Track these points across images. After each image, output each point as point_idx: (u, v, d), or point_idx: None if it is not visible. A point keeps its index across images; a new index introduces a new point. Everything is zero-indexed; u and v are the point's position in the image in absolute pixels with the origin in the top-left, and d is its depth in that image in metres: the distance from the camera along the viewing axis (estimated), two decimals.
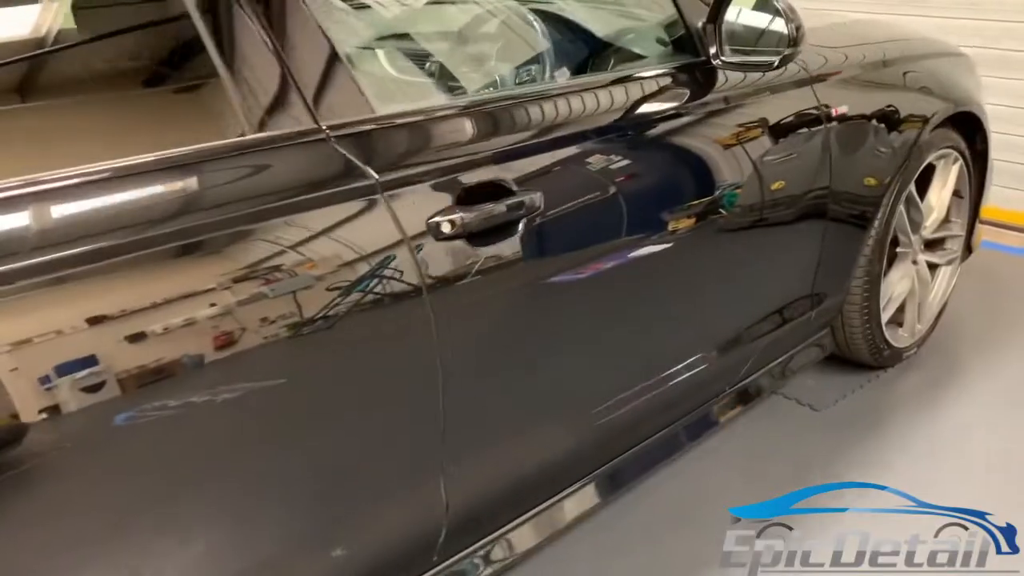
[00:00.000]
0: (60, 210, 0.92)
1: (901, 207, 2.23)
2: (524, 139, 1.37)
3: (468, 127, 1.33)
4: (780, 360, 2.05)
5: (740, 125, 1.71)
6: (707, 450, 1.92)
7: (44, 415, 0.84)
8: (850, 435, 2.16)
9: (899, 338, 2.45)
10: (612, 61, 1.74)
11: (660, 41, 1.73)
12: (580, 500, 1.55)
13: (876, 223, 2.15)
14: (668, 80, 1.65)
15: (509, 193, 1.29)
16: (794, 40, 1.56)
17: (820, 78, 1.92)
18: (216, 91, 1.11)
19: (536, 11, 1.73)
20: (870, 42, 2.24)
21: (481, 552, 1.40)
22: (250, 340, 1.00)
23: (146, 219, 0.96)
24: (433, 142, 1.28)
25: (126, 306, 0.91)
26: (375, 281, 1.12)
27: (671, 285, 1.62)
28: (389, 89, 1.39)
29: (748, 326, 1.89)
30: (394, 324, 1.16)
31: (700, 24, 1.66)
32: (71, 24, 1.12)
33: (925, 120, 2.21)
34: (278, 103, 1.13)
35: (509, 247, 1.28)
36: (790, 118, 1.80)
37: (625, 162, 1.50)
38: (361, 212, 1.13)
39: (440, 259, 1.20)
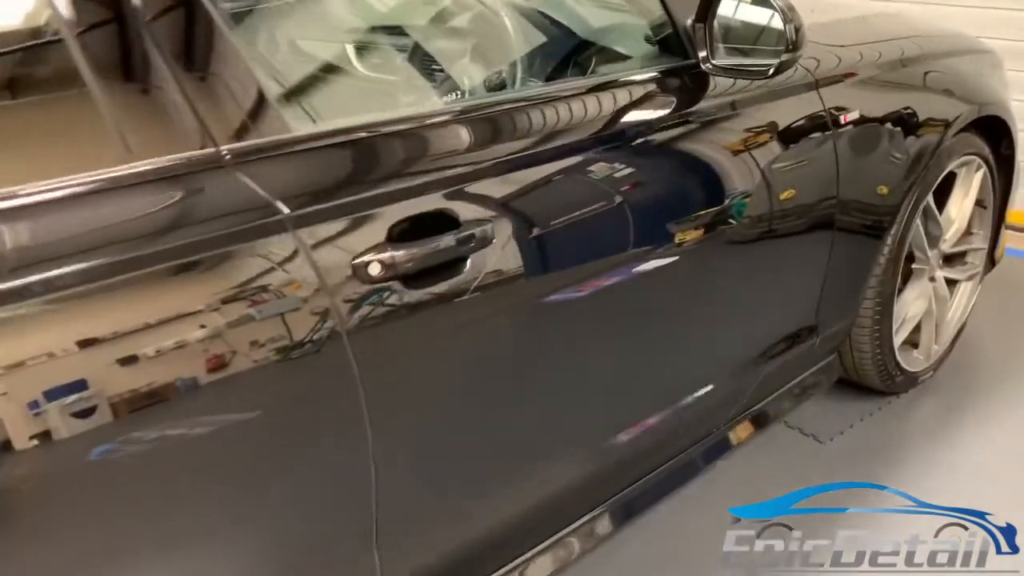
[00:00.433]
0: None
1: (918, 221, 2.03)
2: (475, 161, 1.18)
3: (407, 147, 1.15)
4: (778, 394, 1.85)
5: (731, 137, 1.51)
6: (687, 497, 1.74)
7: None
8: (853, 470, 1.97)
9: (914, 361, 2.25)
10: (590, 63, 1.54)
11: (646, 41, 1.53)
12: (542, 565, 1.37)
13: (889, 239, 1.95)
14: (651, 87, 1.45)
15: (454, 225, 1.11)
16: (793, 44, 1.36)
17: (827, 80, 1.71)
18: (84, 109, 0.92)
19: (506, 6, 1.54)
20: (886, 39, 2.03)
21: None
22: (125, 417, 0.83)
23: None
24: (363, 167, 1.09)
25: None
26: (283, 340, 0.94)
27: (646, 320, 1.43)
28: (312, 104, 1.20)
29: (740, 359, 1.70)
30: (310, 389, 0.99)
31: (689, 23, 1.46)
32: None
33: (946, 125, 2.00)
34: (165, 121, 0.95)
35: (454, 289, 1.10)
36: (790, 127, 1.61)
37: (598, 184, 1.31)
38: (266, 254, 0.95)
39: (368, 308, 1.02)
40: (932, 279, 2.23)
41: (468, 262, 1.11)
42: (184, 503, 0.91)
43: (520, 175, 1.20)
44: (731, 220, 1.50)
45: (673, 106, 1.46)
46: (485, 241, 1.13)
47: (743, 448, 1.83)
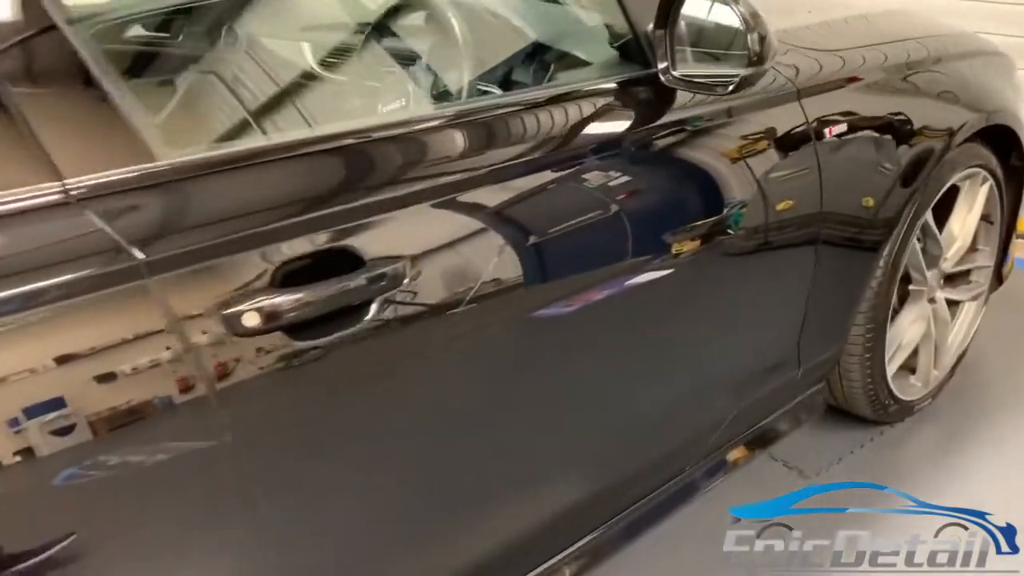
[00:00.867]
0: None
1: (915, 240, 1.86)
2: (385, 190, 1.03)
3: (301, 176, 1.00)
4: (756, 429, 1.70)
5: (694, 156, 1.36)
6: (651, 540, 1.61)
7: None
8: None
9: (910, 388, 2.09)
10: (540, 71, 1.40)
11: (605, 47, 1.37)
12: None
13: (882, 261, 1.78)
14: (607, 99, 1.30)
15: (356, 265, 0.97)
16: (757, 57, 1.20)
17: (812, 90, 1.55)
18: None
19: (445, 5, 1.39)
20: (886, 41, 1.86)
21: None
22: None
23: None
24: (240, 201, 0.94)
25: None
26: (137, 409, 0.81)
27: (599, 357, 1.29)
28: (184, 128, 1.06)
29: (710, 393, 1.55)
30: (174, 458, 0.85)
31: (650, 28, 1.30)
32: None
33: (949, 134, 1.83)
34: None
35: (355, 338, 0.96)
36: (762, 143, 1.45)
37: (544, 212, 1.16)
38: (117, 307, 0.82)
39: (243, 366, 0.88)
40: (932, 300, 2.06)
41: (373, 306, 0.97)
42: None
43: (444, 203, 1.06)
44: (695, 246, 1.35)
45: (630, 122, 1.30)
46: (396, 281, 0.99)
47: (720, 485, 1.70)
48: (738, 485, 1.79)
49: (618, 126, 1.30)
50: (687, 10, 1.25)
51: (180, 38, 2.13)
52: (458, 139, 1.13)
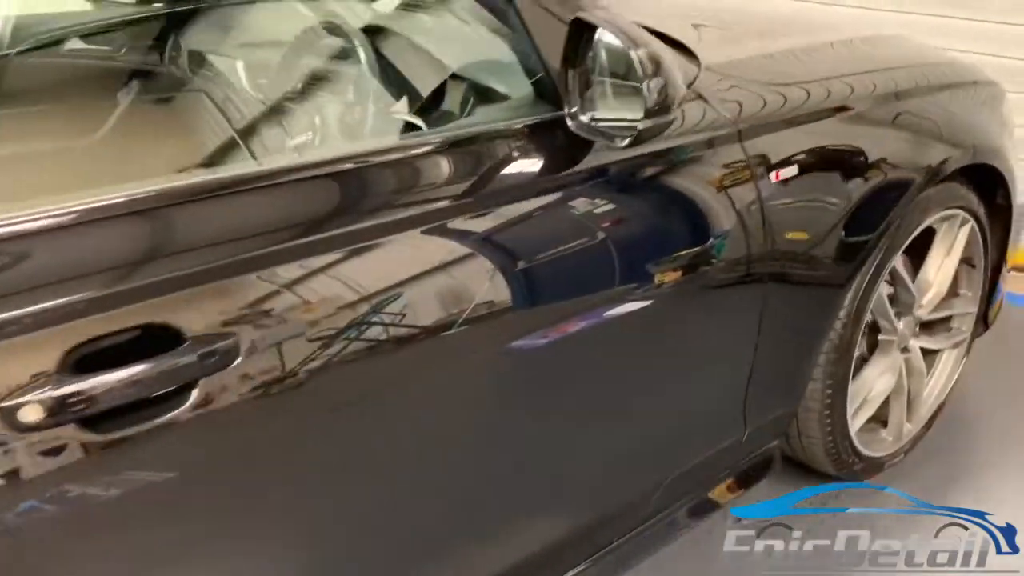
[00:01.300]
0: None
1: (880, 287, 1.71)
2: (215, 251, 0.91)
3: (109, 239, 0.87)
4: (694, 495, 1.56)
5: (610, 207, 1.22)
6: None
7: None
8: None
9: (880, 443, 1.94)
10: (453, 106, 1.27)
11: (521, 82, 1.24)
12: None
13: (843, 311, 1.64)
14: (512, 144, 1.17)
15: (174, 342, 0.85)
16: (657, 107, 1.06)
17: (757, 129, 1.41)
18: None
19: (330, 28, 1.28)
20: (861, 71, 1.70)
21: None
22: None
23: None
24: (24, 269, 0.81)
25: None
26: None
27: (496, 431, 1.17)
28: None
29: (638, 456, 1.42)
30: None
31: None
32: None
33: (925, 173, 1.68)
34: None
35: (168, 430, 0.84)
36: (693, 192, 1.31)
37: (428, 273, 1.04)
38: None
39: (27, 464, 0.77)
40: (905, 349, 1.91)
41: (195, 392, 0.86)
42: None
43: (287, 267, 0.94)
44: (617, 307, 1.23)
45: (536, 170, 1.17)
46: (228, 358, 0.87)
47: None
48: None
49: (523, 175, 1.17)
50: (607, 42, 1.11)
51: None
52: (331, 192, 1.01)
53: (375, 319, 0.98)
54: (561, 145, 1.18)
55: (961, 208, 1.85)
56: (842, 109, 1.58)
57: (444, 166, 1.11)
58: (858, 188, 1.57)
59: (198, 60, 1.85)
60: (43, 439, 0.78)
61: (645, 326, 1.30)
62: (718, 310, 1.42)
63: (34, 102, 1.54)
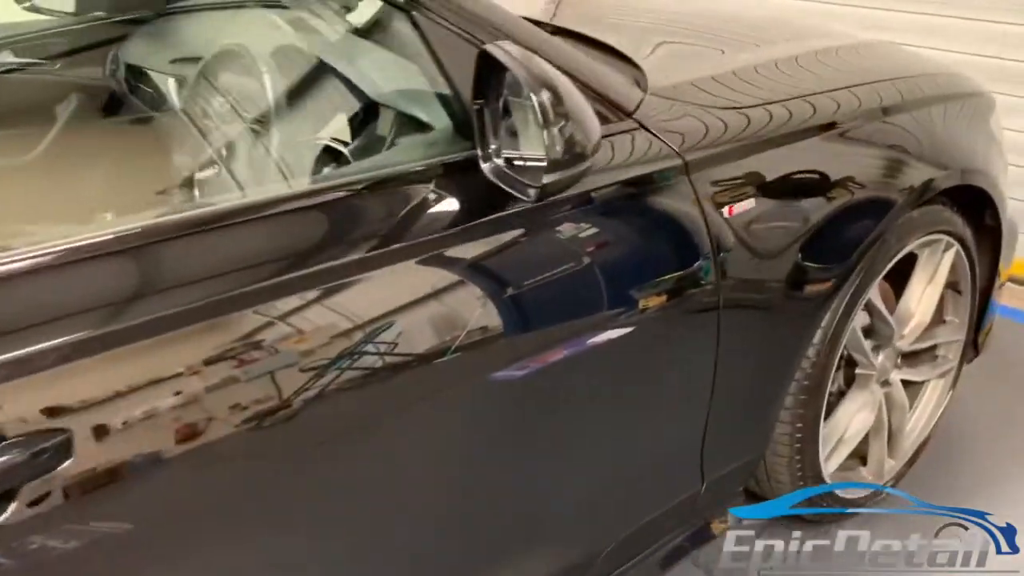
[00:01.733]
0: None
1: (854, 323, 1.58)
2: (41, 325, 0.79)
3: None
4: (647, 555, 1.44)
5: (543, 255, 1.10)
6: None
7: None
8: None
9: (856, 475, 1.81)
10: (364, 141, 1.15)
11: (439, 115, 1.12)
12: None
13: (812, 349, 1.51)
14: (428, 187, 1.04)
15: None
16: (567, 158, 0.93)
17: (707, 160, 1.28)
18: None
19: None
20: (840, 86, 1.56)
21: None
22: None
23: None
24: None
25: None
26: None
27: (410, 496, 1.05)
28: None
29: (585, 514, 1.31)
30: None
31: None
32: None
33: (906, 196, 1.55)
34: None
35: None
36: (633, 232, 1.19)
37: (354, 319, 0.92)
38: None
39: None
40: (887, 382, 1.78)
41: (12, 505, 0.74)
42: None
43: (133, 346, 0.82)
44: (554, 354, 1.11)
45: (450, 218, 1.05)
46: (52, 462, 0.76)
47: None
48: None
49: (437, 221, 1.04)
50: (510, 81, 0.97)
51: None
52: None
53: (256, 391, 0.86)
54: (480, 187, 1.05)
55: (945, 232, 1.71)
56: (812, 131, 1.45)
57: (342, 218, 0.99)
58: (826, 217, 1.44)
59: (137, 75, 1.75)
60: None
61: (584, 373, 1.18)
62: (666, 354, 1.30)
63: None
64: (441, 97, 1.10)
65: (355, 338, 0.93)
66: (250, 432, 0.85)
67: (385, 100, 1.20)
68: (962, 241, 1.76)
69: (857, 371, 1.72)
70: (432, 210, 1.04)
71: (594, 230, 1.14)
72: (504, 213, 1.05)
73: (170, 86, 1.62)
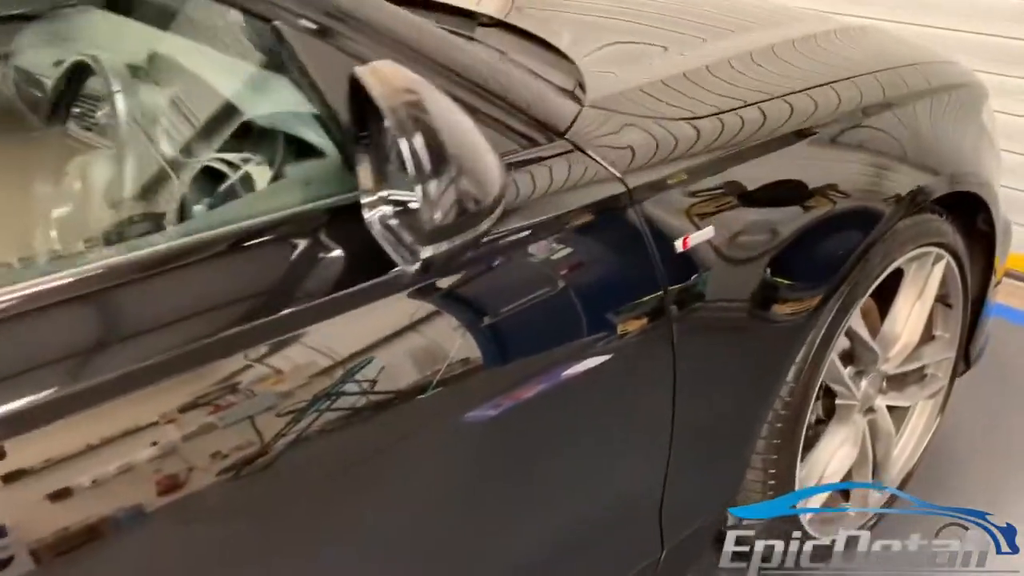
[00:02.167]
0: None
1: (832, 354, 1.40)
2: None
3: None
4: None
5: (466, 301, 0.91)
6: None
7: None
8: None
9: (838, 519, 1.63)
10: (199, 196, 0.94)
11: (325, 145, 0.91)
12: None
13: (786, 389, 1.33)
14: (303, 240, 0.84)
15: None
16: (461, 221, 0.73)
17: (661, 183, 1.08)
18: None
19: None
20: (804, 87, 1.36)
21: None
22: None
23: None
24: None
25: None
26: None
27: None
28: None
29: None
30: None
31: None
32: None
33: (891, 209, 1.37)
34: None
35: None
36: (570, 272, 0.99)
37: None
38: None
39: None
40: (872, 409, 1.60)
41: None
42: None
43: None
44: (486, 411, 0.93)
45: (334, 275, 0.84)
46: None
47: None
48: None
49: (320, 280, 0.84)
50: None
51: None
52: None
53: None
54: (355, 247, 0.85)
55: (935, 244, 1.52)
56: (783, 139, 1.25)
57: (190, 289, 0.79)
58: (799, 239, 1.25)
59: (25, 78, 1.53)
60: None
61: (523, 430, 1.00)
62: (612, 406, 1.11)
63: None
64: (325, 121, 0.89)
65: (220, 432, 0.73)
66: None
67: (260, 122, 0.99)
68: (953, 252, 1.58)
69: (837, 402, 1.54)
70: (312, 273, 0.83)
71: (515, 278, 0.95)
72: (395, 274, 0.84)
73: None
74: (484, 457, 0.99)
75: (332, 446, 0.81)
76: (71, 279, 0.72)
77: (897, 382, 1.68)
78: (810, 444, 1.54)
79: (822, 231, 1.30)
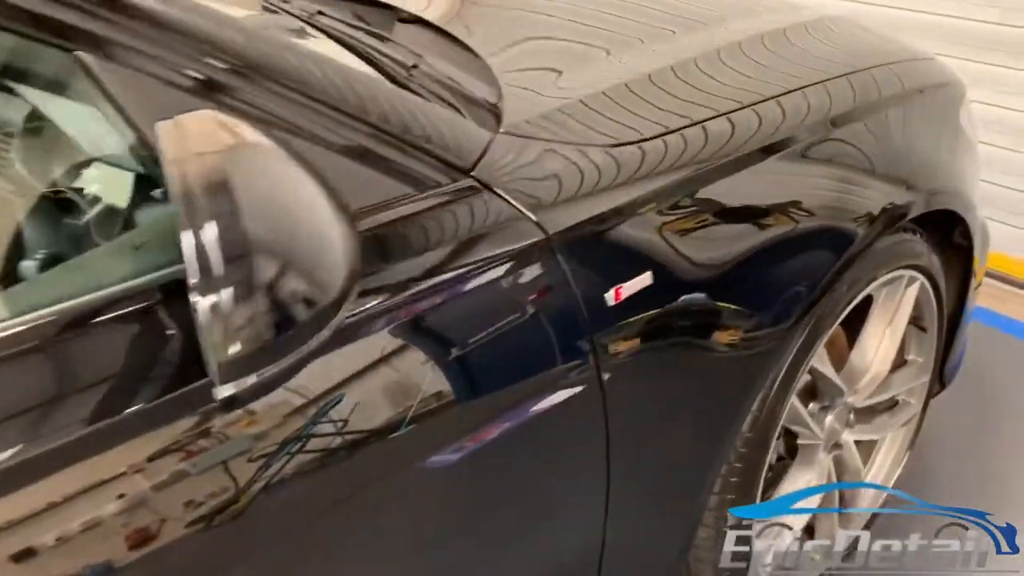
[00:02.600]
0: None
1: (793, 398, 1.25)
2: None
3: None
4: None
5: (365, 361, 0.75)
6: None
7: None
8: None
9: (804, 563, 1.51)
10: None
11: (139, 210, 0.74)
12: None
13: (739, 440, 1.19)
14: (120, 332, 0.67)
15: None
16: (273, 347, 0.56)
17: (588, 223, 0.92)
18: None
19: None
20: (767, 96, 1.20)
21: None
22: None
23: None
24: None
25: None
26: None
27: None
28: None
29: None
30: None
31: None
32: None
33: (861, 230, 1.22)
34: None
35: None
36: (467, 330, 0.83)
37: None
38: None
39: None
40: (838, 444, 1.47)
41: None
42: None
43: None
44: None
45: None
46: None
47: None
48: None
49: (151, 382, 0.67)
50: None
51: None
52: None
53: None
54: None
55: (908, 267, 1.38)
56: (738, 162, 1.09)
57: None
58: (754, 275, 1.10)
59: None
60: None
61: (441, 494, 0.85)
62: (540, 470, 0.96)
63: None
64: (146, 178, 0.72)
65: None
66: None
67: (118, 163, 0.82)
68: (928, 273, 1.43)
69: (799, 442, 1.40)
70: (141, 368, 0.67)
71: (399, 346, 0.79)
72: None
73: None
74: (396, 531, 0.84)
75: None
76: None
77: (865, 413, 1.54)
78: (770, 485, 1.40)
79: (782, 262, 1.15)
